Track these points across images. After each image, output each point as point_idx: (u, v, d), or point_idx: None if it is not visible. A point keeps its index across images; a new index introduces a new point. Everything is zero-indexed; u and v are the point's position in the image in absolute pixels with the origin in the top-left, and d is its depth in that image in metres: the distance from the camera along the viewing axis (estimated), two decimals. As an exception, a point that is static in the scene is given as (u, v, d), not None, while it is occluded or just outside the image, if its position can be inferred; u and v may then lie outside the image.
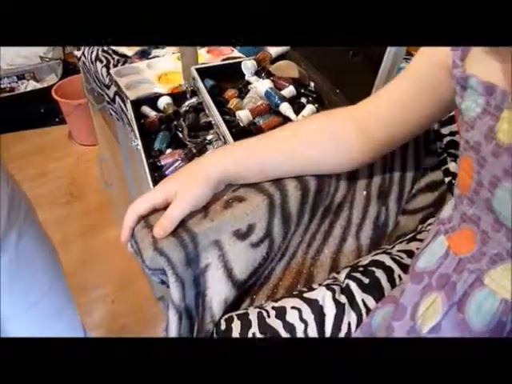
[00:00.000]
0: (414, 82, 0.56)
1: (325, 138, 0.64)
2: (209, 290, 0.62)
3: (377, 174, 0.71)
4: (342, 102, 0.90)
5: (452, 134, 0.76)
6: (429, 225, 0.71)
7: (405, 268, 0.63)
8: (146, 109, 1.01)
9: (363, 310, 0.61)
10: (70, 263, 1.29)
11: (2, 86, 2.65)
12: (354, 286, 0.62)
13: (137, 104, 1.02)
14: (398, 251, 0.67)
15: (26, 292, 0.82)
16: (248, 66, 1.03)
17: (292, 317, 0.61)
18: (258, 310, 0.63)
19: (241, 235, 0.61)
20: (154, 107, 1.02)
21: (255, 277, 0.66)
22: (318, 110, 0.92)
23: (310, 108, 0.91)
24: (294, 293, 0.64)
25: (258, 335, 0.60)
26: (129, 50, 1.29)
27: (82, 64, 1.44)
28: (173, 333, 0.60)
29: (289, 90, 0.94)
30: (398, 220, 0.73)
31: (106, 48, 1.33)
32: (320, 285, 0.64)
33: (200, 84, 0.97)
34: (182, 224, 0.58)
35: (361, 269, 0.65)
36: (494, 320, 0.43)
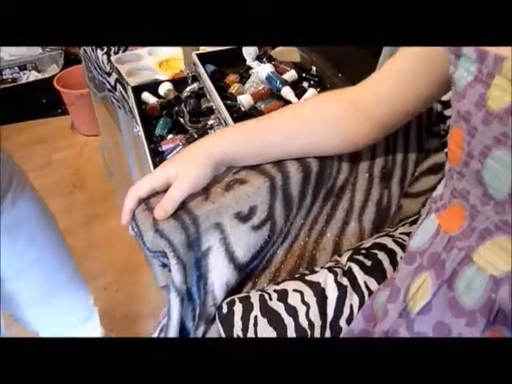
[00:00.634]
0: (412, 55, 0.56)
1: (324, 119, 0.63)
2: (210, 273, 0.62)
3: (379, 156, 0.71)
4: (344, 85, 0.89)
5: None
6: (432, 208, 0.70)
7: (407, 250, 0.63)
8: (146, 95, 1.00)
9: (365, 293, 0.60)
10: (73, 252, 1.30)
11: (4, 77, 2.65)
12: (356, 268, 0.62)
13: (138, 90, 1.02)
14: (401, 234, 0.67)
15: (26, 249, 0.87)
16: (249, 51, 1.02)
17: (294, 299, 0.61)
18: (259, 292, 0.63)
19: (242, 218, 0.61)
20: (155, 93, 1.01)
21: (257, 260, 0.66)
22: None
23: (311, 92, 0.90)
24: (296, 276, 0.64)
25: (260, 318, 0.60)
26: (129, 37, 1.28)
27: (83, 52, 1.43)
28: (174, 316, 0.60)
29: (290, 74, 0.93)
30: (401, 203, 0.72)
31: (106, 35, 1.32)
32: (322, 267, 0.64)
33: (201, 69, 0.96)
34: (183, 206, 0.58)
35: (363, 251, 0.64)
36: (484, 298, 0.42)
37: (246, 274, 0.66)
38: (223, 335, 0.63)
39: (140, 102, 1.00)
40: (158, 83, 1.03)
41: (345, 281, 0.61)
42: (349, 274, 0.62)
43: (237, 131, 0.63)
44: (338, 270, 0.62)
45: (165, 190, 0.59)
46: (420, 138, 0.73)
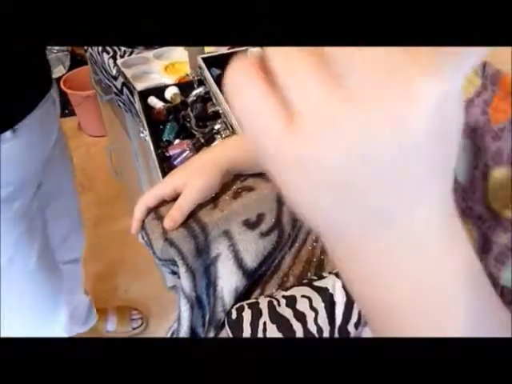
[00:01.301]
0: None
1: None
2: (219, 280, 0.63)
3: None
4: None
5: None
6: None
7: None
8: (153, 99, 1.01)
9: (373, 298, 0.61)
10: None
11: (11, 79, 2.66)
12: (364, 273, 0.62)
13: (144, 95, 1.02)
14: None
15: None
16: (255, 53, 1.02)
17: (302, 305, 0.61)
18: (268, 298, 0.63)
19: (250, 225, 0.61)
20: (162, 98, 1.02)
21: (265, 266, 0.66)
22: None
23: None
24: (304, 281, 0.65)
25: (269, 324, 0.61)
26: (135, 41, 1.29)
27: (89, 55, 1.44)
28: (184, 323, 0.61)
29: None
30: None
31: (112, 39, 1.32)
32: (330, 273, 0.64)
33: (207, 73, 0.97)
34: (192, 215, 0.59)
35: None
36: None
37: (255, 279, 0.67)
38: (233, 341, 0.63)
39: (146, 107, 1.01)
40: (164, 87, 1.03)
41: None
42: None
43: (243, 141, 0.63)
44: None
45: (174, 199, 0.60)
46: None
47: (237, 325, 0.63)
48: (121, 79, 1.19)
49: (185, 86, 1.04)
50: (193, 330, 0.63)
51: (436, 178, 0.20)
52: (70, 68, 2.59)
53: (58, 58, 2.70)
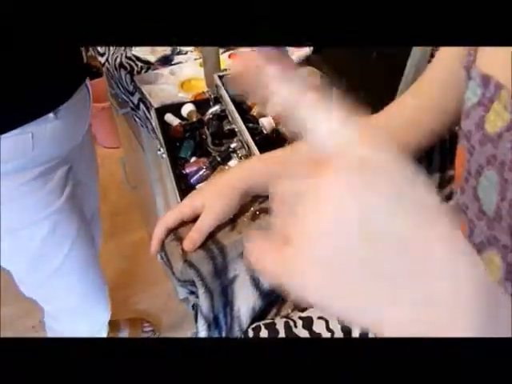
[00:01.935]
0: (438, 78, 0.57)
1: None
2: (237, 300, 0.63)
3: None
4: (365, 108, 0.90)
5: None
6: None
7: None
8: (169, 116, 1.02)
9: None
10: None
11: (27, 91, 2.71)
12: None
13: (161, 111, 1.04)
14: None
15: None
16: (270, 72, 1.03)
17: (319, 327, 0.61)
18: (284, 319, 0.64)
19: (268, 246, 0.62)
20: (178, 115, 1.03)
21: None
22: (341, 117, 0.92)
23: (333, 115, 0.91)
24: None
25: (286, 344, 0.61)
26: (152, 57, 1.31)
27: (105, 70, 1.46)
28: (202, 342, 0.62)
29: (311, 97, 0.94)
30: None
31: (129, 55, 1.35)
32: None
33: (223, 91, 0.98)
34: (211, 236, 0.59)
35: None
36: None
37: (271, 300, 0.67)
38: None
39: (163, 124, 1.02)
40: (180, 104, 1.05)
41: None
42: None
43: (262, 162, 0.64)
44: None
45: (193, 220, 0.61)
46: (443, 164, 0.73)
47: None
48: (137, 95, 1.21)
49: (201, 103, 1.06)
50: (209, 349, 0.64)
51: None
52: (85, 80, 2.62)
53: (73, 70, 2.74)
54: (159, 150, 0.98)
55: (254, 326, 0.65)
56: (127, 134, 1.71)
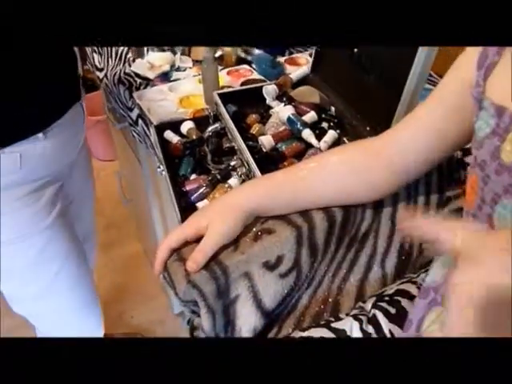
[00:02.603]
0: (440, 104, 0.58)
1: (349, 170, 0.66)
2: (238, 320, 0.64)
3: (401, 202, 0.72)
4: (362, 126, 0.92)
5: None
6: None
7: (431, 298, 0.64)
8: (169, 134, 1.03)
9: (390, 340, 0.62)
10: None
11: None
12: (380, 315, 0.63)
13: (160, 129, 1.05)
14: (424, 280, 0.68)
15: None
16: (269, 90, 1.05)
17: (320, 347, 0.62)
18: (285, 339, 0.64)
19: (270, 266, 0.63)
20: (177, 132, 1.04)
21: (283, 305, 0.67)
22: (339, 136, 0.94)
23: (331, 134, 0.92)
24: (322, 322, 0.66)
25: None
26: (151, 73, 1.32)
27: (104, 85, 1.47)
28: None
29: (310, 116, 0.96)
30: (422, 248, 0.74)
31: (128, 71, 1.36)
32: (347, 315, 0.65)
33: (223, 109, 0.99)
34: (214, 257, 0.60)
35: (387, 298, 0.66)
36: None
37: (272, 318, 0.68)
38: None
39: (162, 140, 1.03)
40: (180, 122, 1.06)
41: (370, 328, 0.62)
42: (373, 321, 0.63)
43: (264, 184, 0.65)
44: (363, 318, 0.63)
45: (196, 240, 0.61)
46: (441, 184, 0.74)
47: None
48: (136, 111, 1.22)
49: (200, 120, 1.06)
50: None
51: None
52: (81, 93, 2.62)
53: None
54: (159, 167, 0.98)
55: (255, 345, 0.65)
56: (123, 148, 1.72)
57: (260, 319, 0.65)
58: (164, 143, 1.02)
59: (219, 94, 1.04)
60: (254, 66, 1.33)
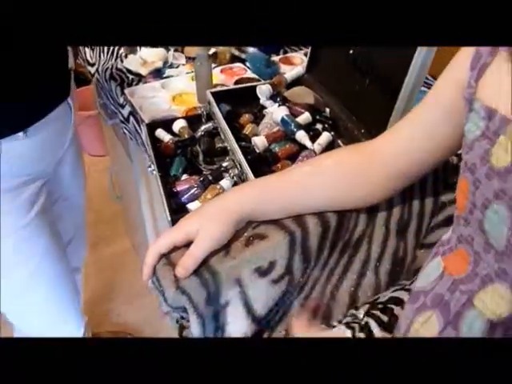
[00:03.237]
0: (434, 106, 0.57)
1: (343, 174, 0.64)
2: (228, 326, 0.62)
3: (396, 208, 0.71)
4: (357, 128, 0.90)
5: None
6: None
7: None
8: (161, 132, 1.01)
9: (383, 349, 0.61)
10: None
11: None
12: (373, 323, 0.62)
13: (152, 127, 1.03)
14: (417, 288, 0.67)
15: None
16: (263, 90, 1.03)
17: (311, 355, 0.61)
18: (276, 346, 0.63)
19: (262, 272, 0.61)
20: (169, 130, 1.02)
21: (273, 311, 0.66)
22: (334, 138, 0.92)
23: (325, 136, 0.91)
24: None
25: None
26: (143, 69, 1.30)
27: (95, 80, 1.45)
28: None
29: (304, 117, 0.94)
30: (416, 254, 0.73)
31: (120, 66, 1.33)
32: (339, 322, 0.64)
33: (216, 109, 0.97)
34: (204, 262, 0.58)
35: (380, 306, 0.65)
36: None
37: (263, 324, 0.66)
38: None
39: (154, 139, 1.01)
40: (172, 120, 1.04)
41: (362, 336, 0.61)
42: (366, 329, 0.62)
43: (257, 188, 0.63)
44: (356, 326, 0.62)
45: (186, 245, 0.60)
46: (436, 190, 0.73)
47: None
48: (128, 108, 1.20)
49: (193, 119, 1.05)
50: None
51: None
52: (72, 87, 2.59)
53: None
54: (149, 166, 0.96)
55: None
56: (114, 144, 1.69)
57: (250, 325, 0.63)
58: (155, 142, 1.00)
59: (212, 93, 1.03)
60: (248, 64, 1.31)
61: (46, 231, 1.02)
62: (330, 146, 0.91)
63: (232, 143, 0.89)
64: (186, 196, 0.86)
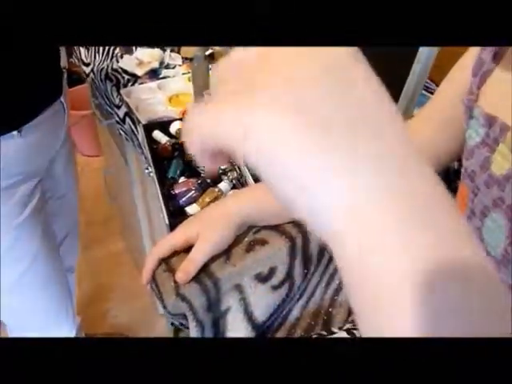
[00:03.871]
0: (435, 113, 0.57)
1: None
2: (228, 333, 0.62)
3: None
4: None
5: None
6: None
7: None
8: (158, 134, 1.00)
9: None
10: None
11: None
12: (374, 330, 0.62)
13: (148, 128, 1.02)
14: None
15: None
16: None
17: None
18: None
19: (262, 278, 0.61)
20: (166, 132, 1.01)
21: (273, 317, 0.65)
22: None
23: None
24: (314, 336, 0.64)
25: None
26: (139, 70, 1.28)
27: (90, 80, 1.43)
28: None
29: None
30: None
31: (115, 67, 1.32)
32: (340, 328, 0.64)
33: (214, 110, 0.96)
34: (204, 268, 0.58)
35: (381, 312, 0.64)
36: None
37: (262, 331, 0.66)
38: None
39: (151, 140, 1.00)
40: (169, 121, 1.03)
41: (363, 343, 0.61)
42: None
43: (258, 192, 0.63)
44: (356, 332, 0.62)
45: (186, 250, 0.59)
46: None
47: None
48: (124, 109, 1.18)
49: (190, 121, 1.04)
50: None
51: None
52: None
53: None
54: (147, 168, 0.95)
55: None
56: (109, 144, 1.68)
57: (251, 332, 0.62)
58: (152, 143, 0.99)
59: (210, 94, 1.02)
60: (245, 65, 1.30)
61: (39, 231, 1.01)
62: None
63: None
64: (183, 199, 0.85)
